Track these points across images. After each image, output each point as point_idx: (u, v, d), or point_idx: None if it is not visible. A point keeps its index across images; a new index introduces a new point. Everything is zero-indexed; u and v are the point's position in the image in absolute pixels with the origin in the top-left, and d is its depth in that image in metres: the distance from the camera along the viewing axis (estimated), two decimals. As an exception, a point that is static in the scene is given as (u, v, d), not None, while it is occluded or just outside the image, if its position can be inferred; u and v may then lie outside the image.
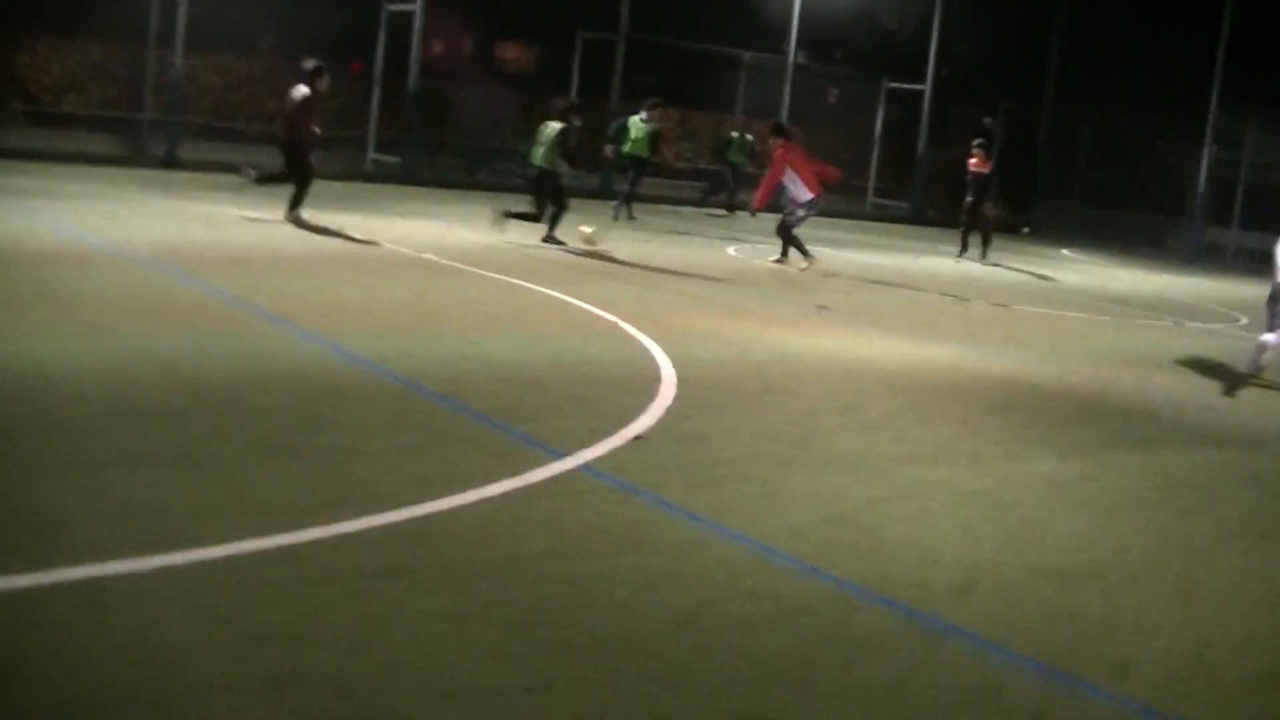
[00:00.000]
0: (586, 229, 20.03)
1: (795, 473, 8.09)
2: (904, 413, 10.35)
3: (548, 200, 19.70)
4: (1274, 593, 6.93)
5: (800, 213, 20.22)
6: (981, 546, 7.02)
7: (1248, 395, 13.18)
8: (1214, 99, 37.75)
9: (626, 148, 26.79)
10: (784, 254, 20.66)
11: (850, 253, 25.01)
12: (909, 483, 8.18)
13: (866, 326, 14.93)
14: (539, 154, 19.72)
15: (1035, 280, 24.31)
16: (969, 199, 26.80)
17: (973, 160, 26.82)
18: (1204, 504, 8.62)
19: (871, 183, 39.91)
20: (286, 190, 18.83)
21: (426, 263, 16.34)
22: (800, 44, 36.78)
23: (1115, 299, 22.22)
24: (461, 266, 16.13)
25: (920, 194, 39.00)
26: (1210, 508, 8.55)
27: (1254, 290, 27.86)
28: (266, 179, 19.41)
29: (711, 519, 6.88)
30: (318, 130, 19.21)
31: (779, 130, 20.94)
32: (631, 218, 25.96)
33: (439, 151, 33.28)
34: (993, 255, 26.55)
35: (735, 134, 32.94)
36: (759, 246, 23.45)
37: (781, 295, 16.89)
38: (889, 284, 19.99)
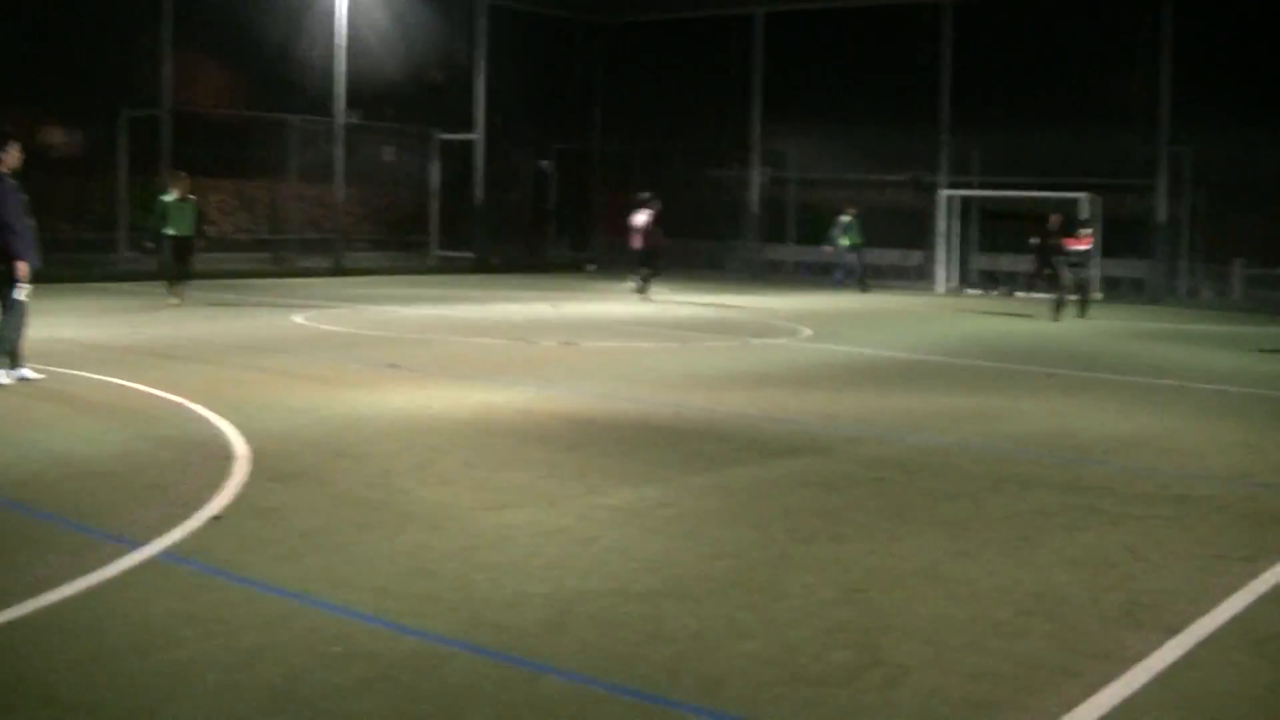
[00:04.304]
0: None
1: (376, 534, 8.05)
2: (481, 462, 10.41)
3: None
4: (850, 588, 7.21)
5: None
6: (568, 581, 7.12)
7: (815, 403, 13.73)
8: (756, 122, 39.36)
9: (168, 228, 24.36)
10: None
11: (418, 308, 25.01)
12: (490, 529, 8.23)
13: (439, 379, 14.96)
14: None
15: (606, 315, 24.78)
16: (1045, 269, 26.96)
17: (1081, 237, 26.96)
18: (779, 513, 8.93)
19: (434, 235, 40.04)
20: None
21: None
22: (350, 103, 36.66)
23: (682, 324, 22.84)
24: None
25: (483, 242, 39.30)
26: (785, 516, 8.86)
27: (813, 302, 29.12)
28: None
29: (297, 590, 6.79)
30: None
31: None
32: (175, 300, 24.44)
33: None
34: (562, 295, 26.90)
35: (848, 216, 34.91)
36: (325, 312, 23.27)
37: (351, 357, 16.74)
38: (459, 334, 20.07)
